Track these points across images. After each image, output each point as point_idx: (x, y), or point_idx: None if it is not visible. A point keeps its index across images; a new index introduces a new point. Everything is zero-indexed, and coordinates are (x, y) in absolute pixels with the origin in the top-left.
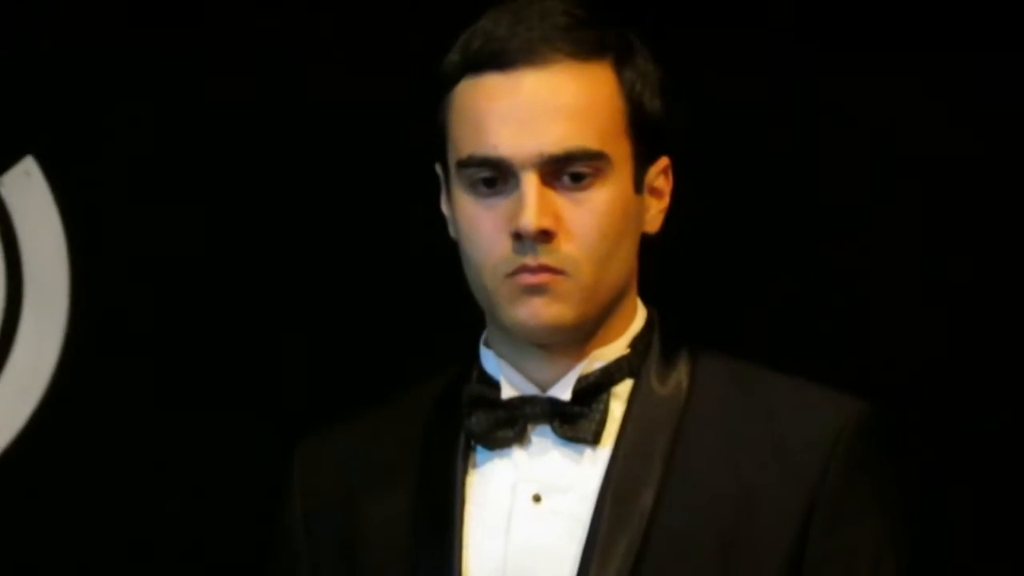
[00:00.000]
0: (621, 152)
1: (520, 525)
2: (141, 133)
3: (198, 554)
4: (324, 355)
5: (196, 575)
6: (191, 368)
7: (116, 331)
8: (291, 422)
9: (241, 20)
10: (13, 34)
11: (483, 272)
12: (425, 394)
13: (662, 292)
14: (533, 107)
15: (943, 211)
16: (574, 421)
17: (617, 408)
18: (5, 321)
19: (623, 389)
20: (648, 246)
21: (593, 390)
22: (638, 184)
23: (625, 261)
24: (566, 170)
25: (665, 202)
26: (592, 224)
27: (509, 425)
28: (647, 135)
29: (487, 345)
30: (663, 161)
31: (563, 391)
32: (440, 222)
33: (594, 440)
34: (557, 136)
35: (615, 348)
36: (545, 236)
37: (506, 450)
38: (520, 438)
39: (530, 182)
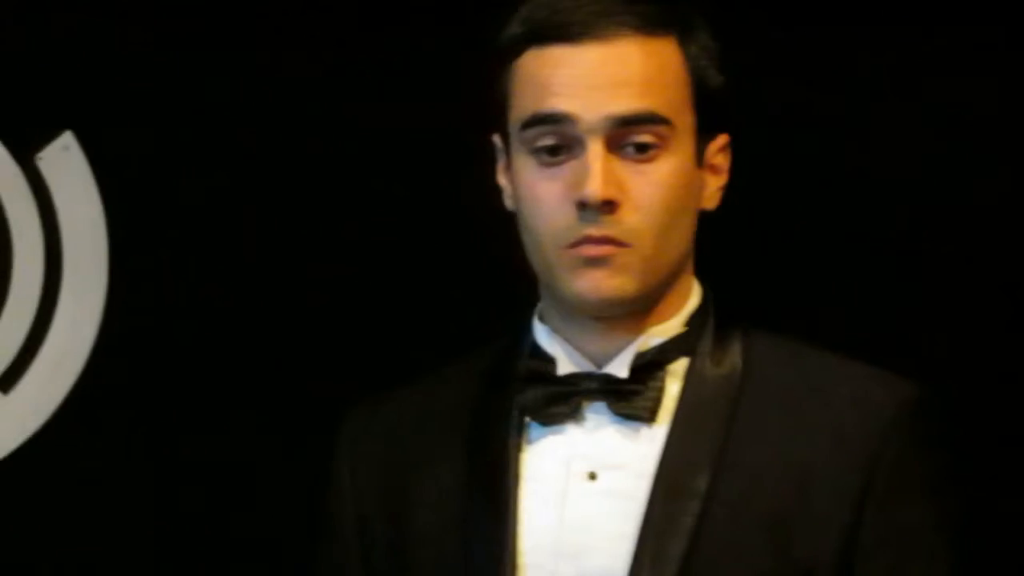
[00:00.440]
0: (685, 124)
1: (575, 502)
2: (181, 109)
3: (224, 541)
4: (374, 338)
5: (226, 561)
6: (228, 350)
7: (154, 309)
8: (328, 412)
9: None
10: (51, 9)
11: (543, 242)
12: (474, 367)
13: (715, 270)
14: (602, 75)
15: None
16: (630, 398)
17: (673, 386)
18: (44, 298)
19: (679, 367)
20: (702, 224)
21: (650, 367)
22: (699, 158)
23: (684, 235)
24: (631, 139)
25: (723, 179)
26: (656, 196)
27: (564, 401)
28: (710, 110)
29: (541, 319)
30: (723, 138)
31: (620, 368)
32: (490, 194)
33: (650, 418)
34: (626, 100)
35: (672, 326)
36: (609, 206)
37: (560, 426)
38: (575, 414)
39: (595, 149)
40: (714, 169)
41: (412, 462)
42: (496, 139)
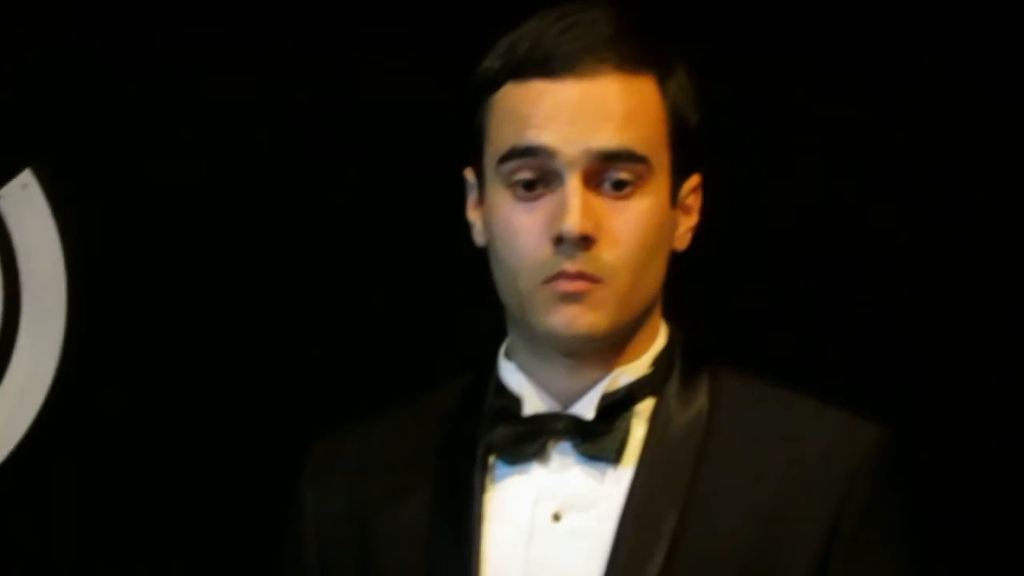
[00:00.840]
0: (662, 163)
1: (540, 542)
2: (140, 146)
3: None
4: (327, 375)
5: None
6: (190, 384)
7: (114, 346)
8: (286, 442)
9: (242, 26)
10: (11, 45)
11: (518, 276)
12: (440, 402)
13: (679, 308)
14: (581, 110)
15: (981, 232)
16: (596, 439)
17: (639, 427)
18: (2, 336)
19: (645, 408)
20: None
21: (616, 408)
22: (674, 198)
23: (657, 274)
24: (608, 175)
25: (694, 220)
26: (632, 233)
27: (530, 440)
28: (685, 149)
29: (507, 356)
30: (695, 178)
31: (586, 408)
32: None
33: (616, 459)
34: (605, 135)
35: (639, 366)
36: (586, 241)
37: (526, 465)
38: (541, 454)
39: (574, 183)
40: (686, 209)
41: (376, 497)
42: (468, 174)
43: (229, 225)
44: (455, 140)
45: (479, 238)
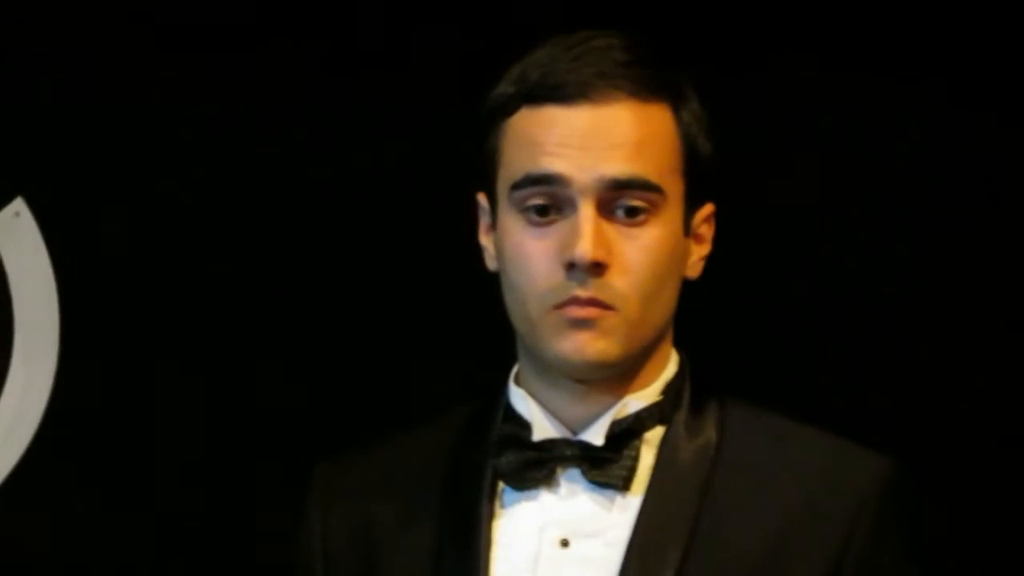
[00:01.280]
0: (675, 191)
1: (547, 569)
2: (133, 173)
3: None
4: (331, 399)
5: None
6: (185, 408)
7: (106, 377)
8: (290, 464)
9: (233, 56)
10: (1, 74)
11: (528, 301)
12: (449, 427)
13: (693, 338)
14: (595, 137)
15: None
16: (605, 466)
17: (648, 455)
18: None
19: (654, 436)
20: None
21: (625, 436)
22: (686, 226)
23: (668, 303)
24: (621, 202)
25: (706, 249)
26: (644, 261)
27: (538, 466)
28: (698, 178)
29: (517, 382)
30: (709, 207)
31: (595, 435)
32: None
33: (624, 486)
34: (619, 163)
35: (648, 393)
36: (598, 268)
37: (534, 491)
38: (549, 480)
39: (587, 210)
40: (698, 238)
41: (384, 522)
42: (481, 198)
43: (221, 247)
44: (465, 158)
45: (491, 263)
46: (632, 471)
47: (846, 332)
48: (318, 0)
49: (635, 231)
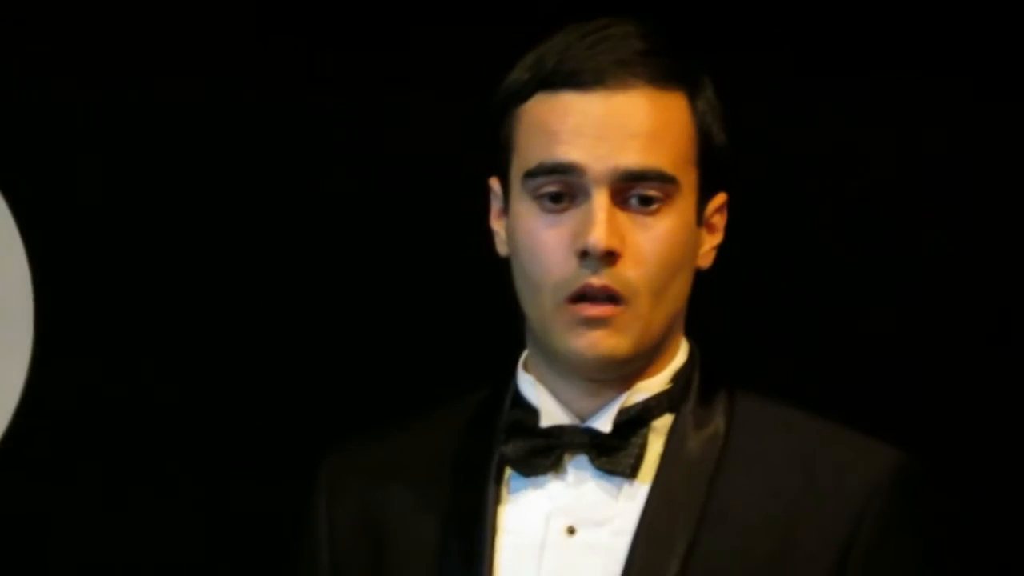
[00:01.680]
0: (689, 181)
1: (553, 556)
2: (110, 164)
3: None
4: (332, 389)
5: None
6: (160, 413)
7: (82, 370)
8: (292, 455)
9: (214, 46)
10: None
11: (542, 291)
12: (455, 415)
13: (702, 327)
14: (610, 126)
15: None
16: (612, 454)
17: (656, 443)
18: None
19: (662, 424)
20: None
21: (633, 423)
22: (699, 216)
23: (680, 293)
24: (635, 192)
25: (718, 239)
26: (656, 251)
27: (546, 453)
28: (712, 168)
29: (525, 369)
30: (721, 197)
31: (603, 422)
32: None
33: (632, 474)
34: (634, 153)
35: (657, 382)
36: (611, 257)
37: (541, 478)
38: (556, 467)
39: (601, 199)
40: (711, 228)
41: (390, 509)
42: (494, 183)
43: (200, 233)
44: (477, 147)
45: (502, 248)
46: (640, 459)
47: (858, 324)
48: None
49: (649, 220)
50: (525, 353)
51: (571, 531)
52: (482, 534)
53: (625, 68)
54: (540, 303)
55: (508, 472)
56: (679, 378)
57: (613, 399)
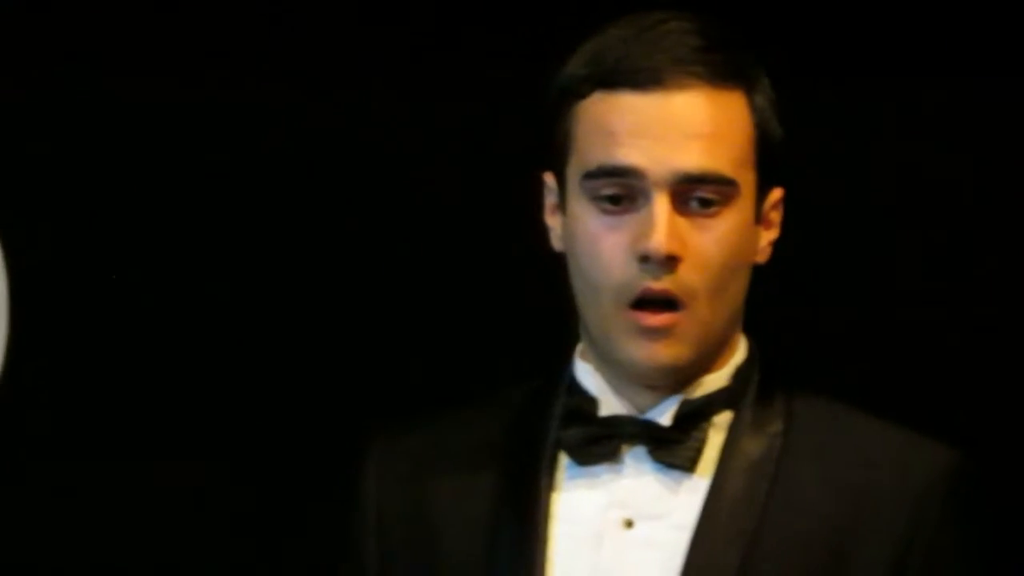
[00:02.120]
0: (748, 181)
1: (610, 549)
2: (87, 184)
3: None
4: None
5: None
6: (144, 405)
7: (58, 367)
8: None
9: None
10: None
11: (601, 294)
12: (504, 403)
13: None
14: (670, 127)
15: None
16: (672, 447)
17: (715, 439)
18: None
19: (721, 420)
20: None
21: (694, 417)
22: (757, 214)
23: (738, 292)
24: (695, 194)
25: (775, 233)
26: (716, 253)
27: (604, 442)
28: (769, 164)
29: (583, 358)
30: (778, 192)
31: (663, 415)
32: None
33: (691, 468)
34: (693, 156)
35: (718, 378)
36: (671, 262)
37: (596, 468)
38: (614, 457)
39: (661, 203)
40: (768, 223)
41: (439, 493)
42: (548, 178)
43: (181, 238)
44: (534, 142)
45: (557, 243)
46: (699, 453)
47: (908, 321)
48: None
49: (708, 223)
50: (581, 344)
51: (628, 524)
52: (535, 521)
53: (683, 67)
54: (599, 306)
55: (562, 460)
56: (739, 375)
57: (674, 392)
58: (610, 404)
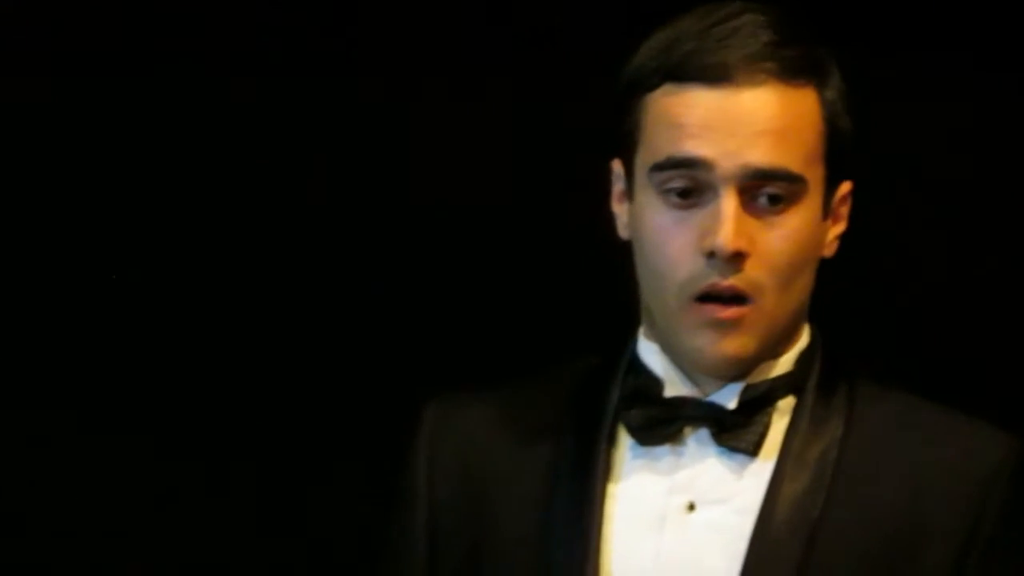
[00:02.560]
0: (816, 177)
1: (673, 532)
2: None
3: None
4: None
5: None
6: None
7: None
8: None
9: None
10: None
11: (667, 287)
12: (563, 378)
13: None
14: (740, 122)
15: None
16: (736, 431)
17: (780, 423)
18: None
19: (785, 405)
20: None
21: (758, 402)
22: (826, 210)
23: (805, 286)
24: (763, 191)
25: (842, 227)
26: (783, 250)
27: (668, 424)
28: (839, 158)
29: (648, 338)
30: (846, 186)
31: (728, 399)
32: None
33: (754, 452)
34: (763, 151)
35: (782, 363)
36: (738, 258)
37: (657, 449)
38: (676, 439)
39: (729, 198)
40: (836, 218)
41: (494, 469)
42: (616, 165)
43: (186, 228)
44: (600, 131)
45: (623, 231)
46: (763, 437)
47: (965, 310)
48: None
49: (776, 219)
50: (643, 326)
51: (691, 507)
52: (593, 499)
53: (754, 63)
54: (665, 298)
55: (623, 440)
56: (802, 361)
57: (739, 376)
58: (675, 385)
